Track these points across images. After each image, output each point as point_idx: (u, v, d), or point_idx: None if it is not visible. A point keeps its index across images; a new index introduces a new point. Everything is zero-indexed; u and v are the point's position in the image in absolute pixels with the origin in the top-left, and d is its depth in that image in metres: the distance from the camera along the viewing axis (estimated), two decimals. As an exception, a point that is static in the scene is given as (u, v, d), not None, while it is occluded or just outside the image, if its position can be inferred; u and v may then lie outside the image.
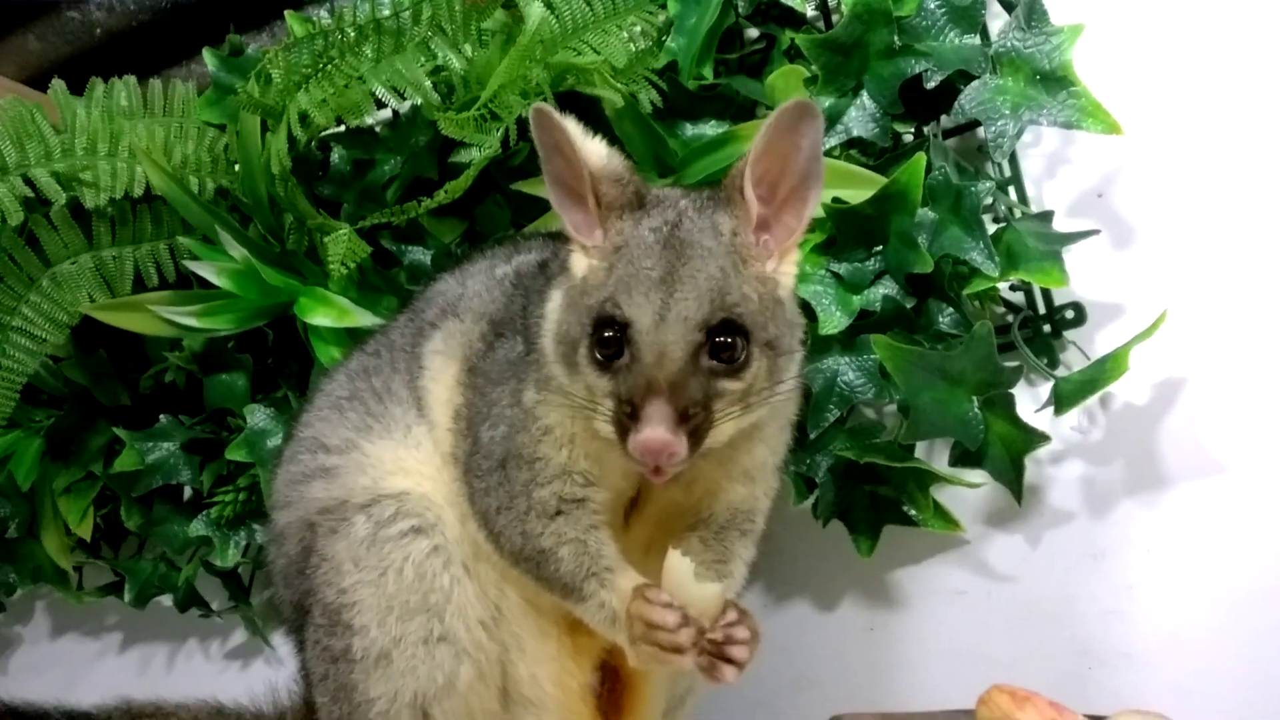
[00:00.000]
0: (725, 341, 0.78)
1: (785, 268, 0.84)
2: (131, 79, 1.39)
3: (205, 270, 1.26)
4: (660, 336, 0.76)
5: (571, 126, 0.82)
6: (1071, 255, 1.15)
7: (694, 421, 0.76)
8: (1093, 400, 1.15)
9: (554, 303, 0.86)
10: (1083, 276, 1.17)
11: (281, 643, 1.49)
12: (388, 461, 0.95)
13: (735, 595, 0.89)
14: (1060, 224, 1.17)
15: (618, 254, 0.81)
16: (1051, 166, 1.22)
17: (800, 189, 0.82)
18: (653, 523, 0.91)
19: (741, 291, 0.79)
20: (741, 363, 0.79)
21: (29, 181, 1.25)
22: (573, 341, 0.82)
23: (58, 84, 1.35)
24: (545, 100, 1.13)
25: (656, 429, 0.74)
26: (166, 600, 1.49)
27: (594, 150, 0.83)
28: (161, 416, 1.39)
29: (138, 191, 1.28)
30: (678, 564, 0.81)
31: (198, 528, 1.38)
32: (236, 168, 1.31)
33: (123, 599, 1.49)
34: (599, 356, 0.79)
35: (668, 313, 0.77)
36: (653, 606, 0.80)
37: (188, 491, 1.44)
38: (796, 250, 0.85)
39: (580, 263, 0.84)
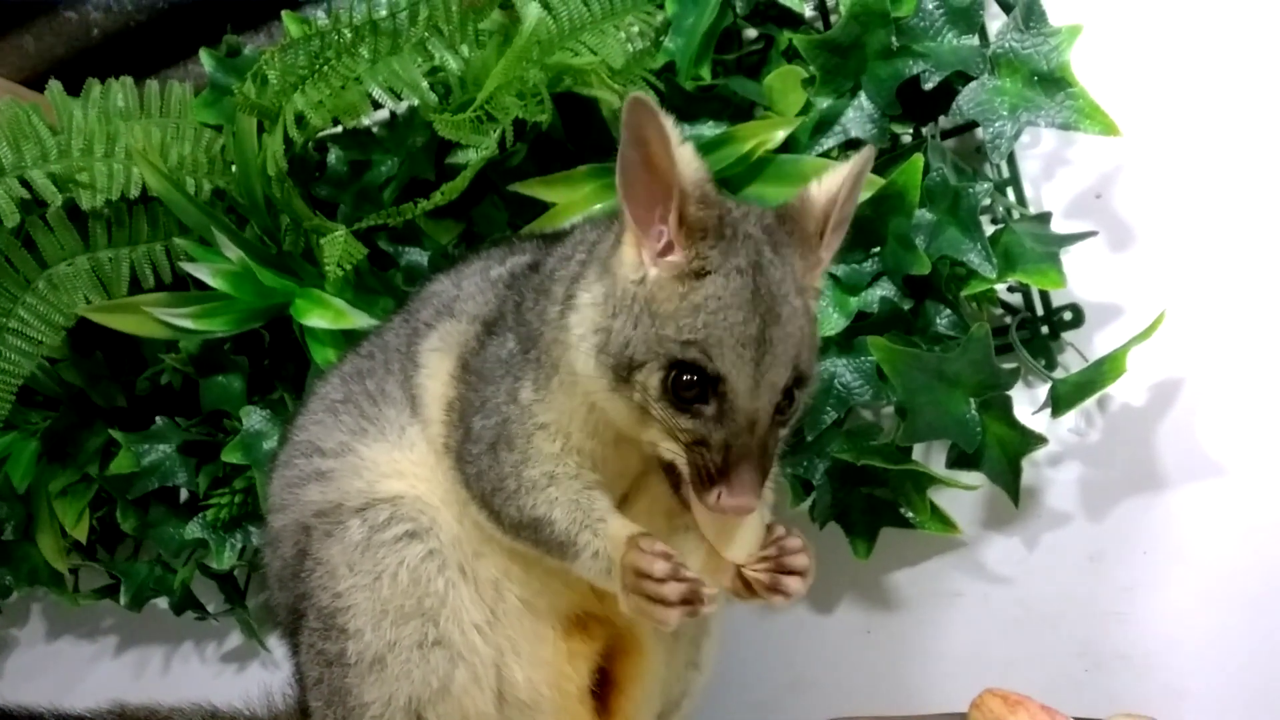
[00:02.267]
0: (790, 394, 0.78)
1: (817, 297, 0.85)
2: (128, 80, 1.39)
3: (201, 272, 1.26)
4: (754, 403, 0.76)
5: (672, 129, 0.76)
6: (1069, 257, 1.15)
7: (766, 475, 0.77)
8: (1090, 402, 1.15)
9: (593, 295, 0.82)
10: (1081, 278, 1.17)
11: (277, 646, 1.48)
12: (383, 464, 0.94)
13: None
14: (1058, 225, 1.17)
15: (699, 285, 0.77)
16: (1049, 168, 1.22)
17: (845, 224, 0.84)
18: (645, 516, 0.89)
19: (806, 344, 0.79)
20: (796, 409, 0.80)
21: (25, 183, 1.25)
22: (630, 361, 0.78)
23: (54, 85, 1.35)
24: (541, 102, 1.13)
25: (750, 496, 0.75)
26: (162, 603, 1.49)
27: (689, 161, 0.78)
28: (157, 418, 1.39)
29: (134, 193, 1.28)
30: (700, 507, 0.80)
31: (194, 530, 1.37)
32: (233, 169, 1.31)
33: (119, 602, 1.48)
34: (679, 396, 0.77)
35: (761, 379, 0.76)
36: (644, 555, 0.78)
37: (184, 494, 1.44)
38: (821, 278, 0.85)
39: (633, 262, 0.80)
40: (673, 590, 0.77)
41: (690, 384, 0.76)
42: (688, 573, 0.78)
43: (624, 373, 0.78)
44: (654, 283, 0.79)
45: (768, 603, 0.82)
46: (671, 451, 0.78)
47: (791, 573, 0.81)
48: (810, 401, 0.87)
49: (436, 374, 0.94)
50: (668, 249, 0.79)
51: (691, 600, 0.77)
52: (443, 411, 0.92)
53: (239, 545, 1.38)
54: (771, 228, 0.81)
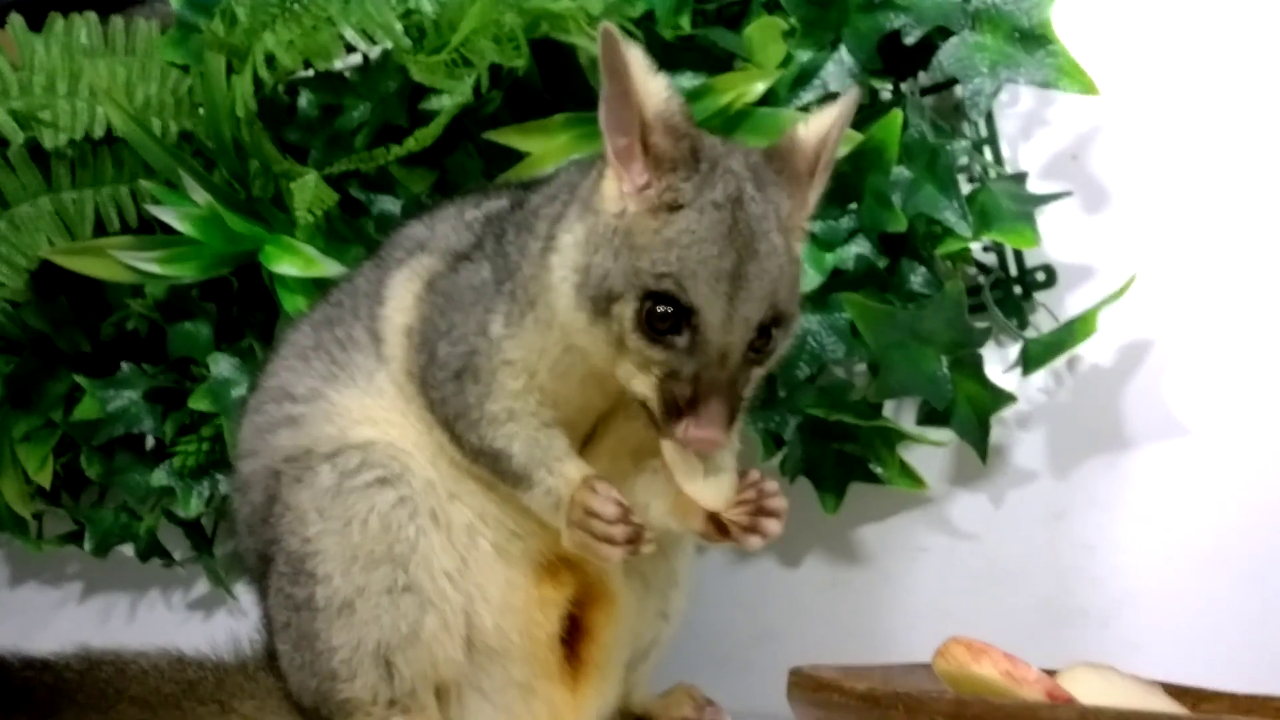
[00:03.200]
0: (766, 332, 0.79)
1: (803, 241, 0.85)
2: (92, 15, 1.34)
3: (168, 215, 1.23)
4: (726, 337, 0.76)
5: (635, 59, 0.77)
6: (1044, 217, 1.15)
7: (735, 414, 0.78)
8: (1059, 362, 1.16)
9: (574, 235, 0.82)
10: (1055, 238, 1.18)
11: (244, 593, 1.48)
12: (354, 411, 0.94)
13: None
14: (1034, 185, 1.17)
15: (673, 218, 0.77)
16: (1027, 127, 1.22)
17: (829, 167, 0.84)
18: (609, 457, 0.90)
19: (786, 283, 0.79)
20: (772, 349, 0.80)
21: (-15, 120, 1.22)
22: (609, 293, 0.79)
23: (16, 19, 1.31)
24: (518, 48, 1.12)
25: (716, 429, 0.75)
26: (128, 550, 1.48)
27: (653, 92, 0.78)
28: (123, 364, 1.37)
29: (98, 133, 1.25)
30: (674, 455, 0.81)
31: (160, 477, 1.36)
32: (201, 110, 1.28)
33: (83, 548, 1.47)
34: (653, 328, 0.77)
35: (735, 313, 0.76)
36: (597, 495, 0.82)
37: (150, 440, 1.42)
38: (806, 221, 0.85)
39: (614, 196, 0.80)
40: (620, 531, 0.81)
41: (664, 315, 0.77)
42: (634, 518, 0.82)
43: (603, 305, 0.79)
44: (631, 216, 0.79)
45: (741, 545, 0.84)
46: (644, 387, 0.79)
47: (770, 514, 0.82)
48: (790, 345, 0.87)
49: (401, 304, 0.94)
50: (647, 183, 0.79)
51: (634, 541, 0.81)
52: (403, 337, 0.93)
53: (206, 493, 1.36)
54: (758, 165, 0.81)
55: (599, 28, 0.77)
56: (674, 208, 0.78)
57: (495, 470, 0.88)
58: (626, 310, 0.78)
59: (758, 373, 0.81)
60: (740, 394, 0.78)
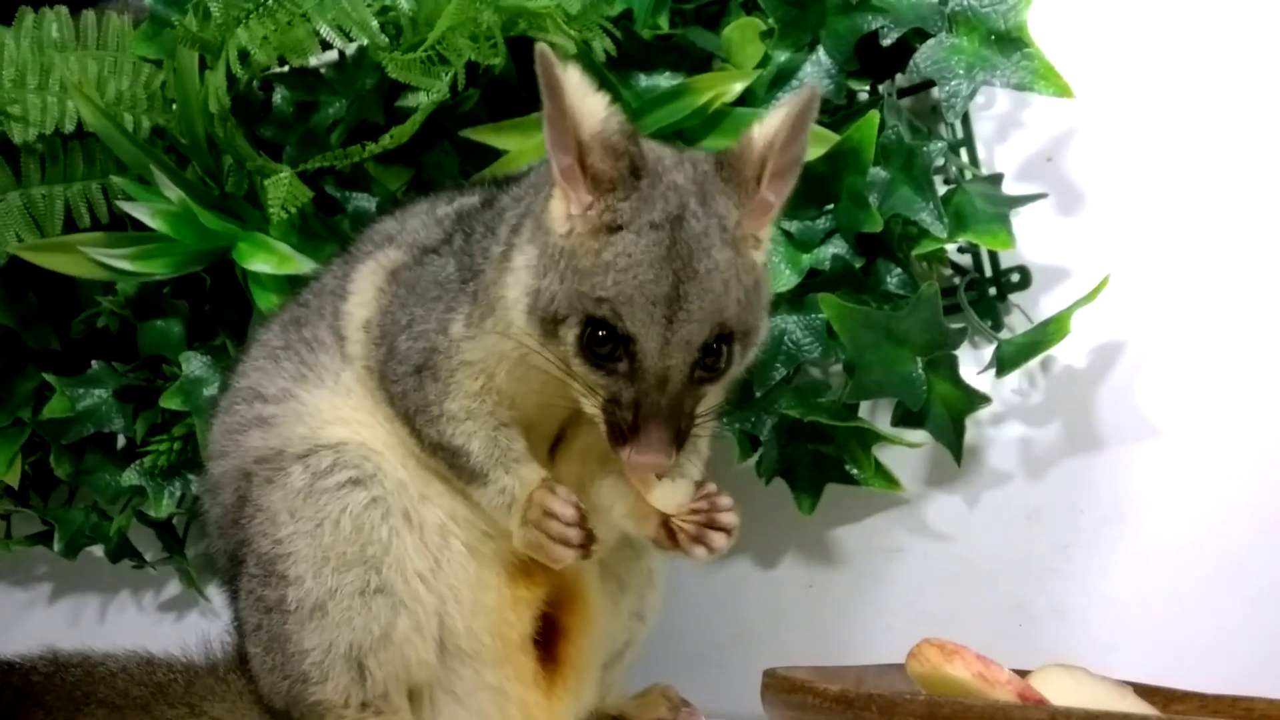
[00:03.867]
0: (715, 350, 0.77)
1: (764, 244, 0.82)
2: (63, 9, 1.32)
3: (140, 212, 1.22)
4: (664, 361, 0.75)
5: (571, 79, 0.76)
6: (1019, 219, 1.16)
7: (683, 434, 0.77)
8: (1033, 363, 1.17)
9: (526, 257, 0.82)
10: (1029, 240, 1.18)
11: (216, 595, 1.46)
12: (325, 411, 0.93)
13: None
14: (1009, 187, 1.17)
15: (612, 240, 0.76)
16: (1003, 129, 1.23)
17: (790, 173, 0.81)
18: (579, 459, 0.91)
19: (735, 298, 0.77)
20: (725, 367, 0.79)
21: (-48, 114, 1.20)
22: (555, 316, 0.78)
23: (-16, 13, 1.29)
24: (495, 46, 1.11)
25: (657, 454, 0.75)
26: (98, 550, 1.46)
27: (590, 112, 0.76)
28: (93, 362, 1.35)
29: (69, 127, 1.23)
30: None
31: (130, 477, 1.34)
32: (173, 106, 1.26)
33: (52, 548, 1.45)
34: (594, 354, 0.77)
35: (673, 337, 0.75)
36: (555, 497, 0.83)
37: (120, 440, 1.41)
38: (770, 226, 0.83)
39: (561, 216, 0.79)
40: (575, 534, 0.82)
41: (603, 340, 0.76)
42: (588, 524, 0.83)
43: (550, 327, 0.79)
44: (575, 238, 0.78)
45: (688, 555, 0.83)
46: (592, 408, 0.79)
47: (719, 529, 0.82)
48: (757, 353, 0.86)
49: (362, 298, 0.94)
50: (589, 205, 0.78)
51: (585, 546, 0.83)
52: (362, 331, 0.92)
53: (177, 493, 1.35)
54: (705, 175, 0.79)
55: (535, 47, 0.76)
56: (613, 229, 0.76)
57: (452, 465, 0.88)
58: (570, 334, 0.78)
59: (711, 389, 0.80)
60: (686, 415, 0.77)
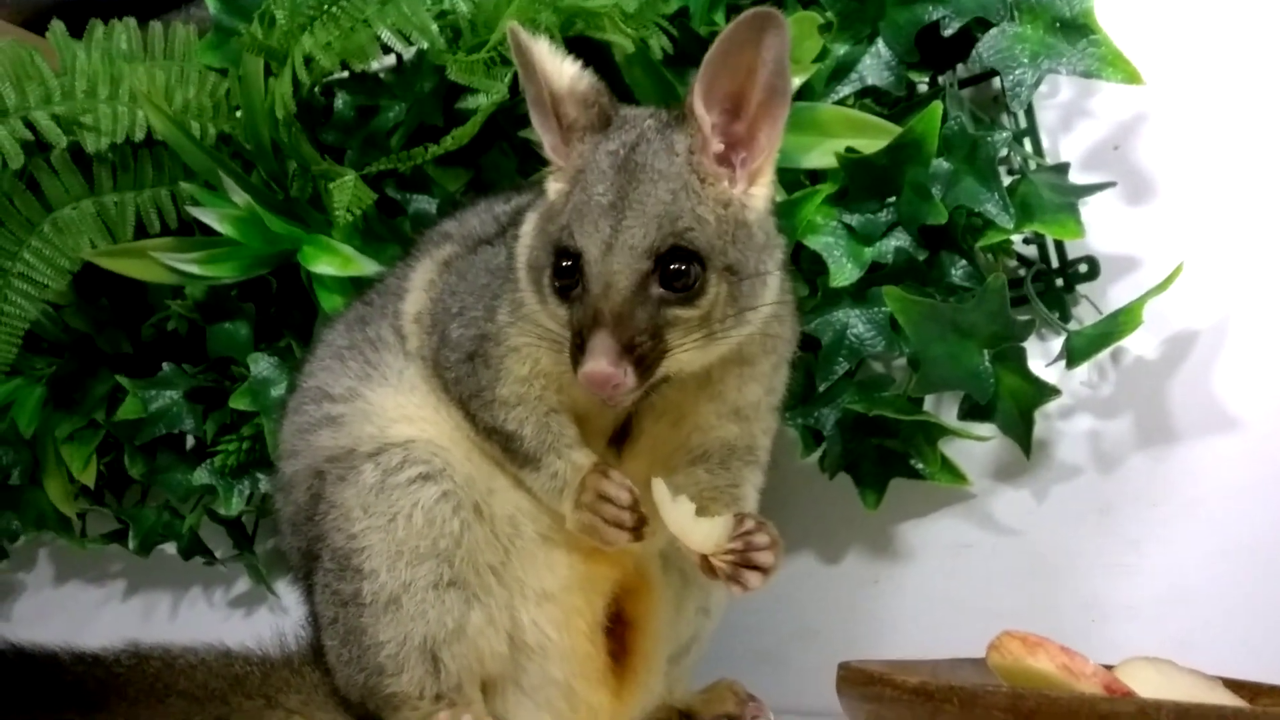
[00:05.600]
0: (678, 269, 0.77)
1: (756, 189, 0.82)
2: (131, 21, 1.36)
3: (208, 217, 1.25)
4: (607, 266, 0.76)
5: (539, 47, 0.82)
6: (1086, 209, 1.14)
7: (640, 351, 0.75)
8: (1104, 355, 1.15)
9: (529, 225, 0.87)
10: (1097, 230, 1.16)
11: (285, 591, 1.49)
12: (390, 409, 0.95)
13: None
14: (1076, 176, 1.16)
15: (577, 178, 0.81)
16: (1068, 118, 1.20)
17: (768, 105, 0.80)
18: (646, 457, 0.91)
19: (696, 215, 0.78)
20: (696, 290, 0.77)
21: (29, 125, 1.23)
22: (539, 269, 0.82)
23: (57, 25, 1.33)
24: (556, 44, 1.11)
25: (598, 361, 0.74)
26: (170, 548, 1.49)
27: (559, 70, 0.82)
28: (164, 365, 1.39)
29: (139, 136, 1.27)
30: (664, 497, 0.82)
31: (201, 476, 1.38)
32: (238, 113, 1.29)
33: (127, 546, 1.49)
34: (558, 285, 0.80)
35: (615, 241, 0.76)
36: (610, 481, 0.85)
37: (190, 440, 1.44)
38: (769, 171, 0.83)
39: (553, 186, 0.84)
40: (629, 517, 0.83)
41: (567, 270, 0.78)
42: (642, 507, 0.83)
43: (538, 281, 0.82)
44: (556, 195, 0.82)
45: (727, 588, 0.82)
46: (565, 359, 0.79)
47: (754, 568, 0.81)
48: (798, 322, 0.90)
49: (416, 294, 0.97)
50: (567, 155, 0.82)
51: (638, 529, 0.83)
52: (414, 324, 0.95)
53: (247, 491, 1.38)
54: (665, 115, 0.83)
55: (507, 27, 0.82)
56: (580, 170, 0.80)
57: (506, 450, 0.90)
58: (546, 278, 0.81)
59: (684, 313, 0.77)
60: (643, 331, 0.75)
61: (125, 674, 0.99)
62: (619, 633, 0.94)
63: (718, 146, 0.81)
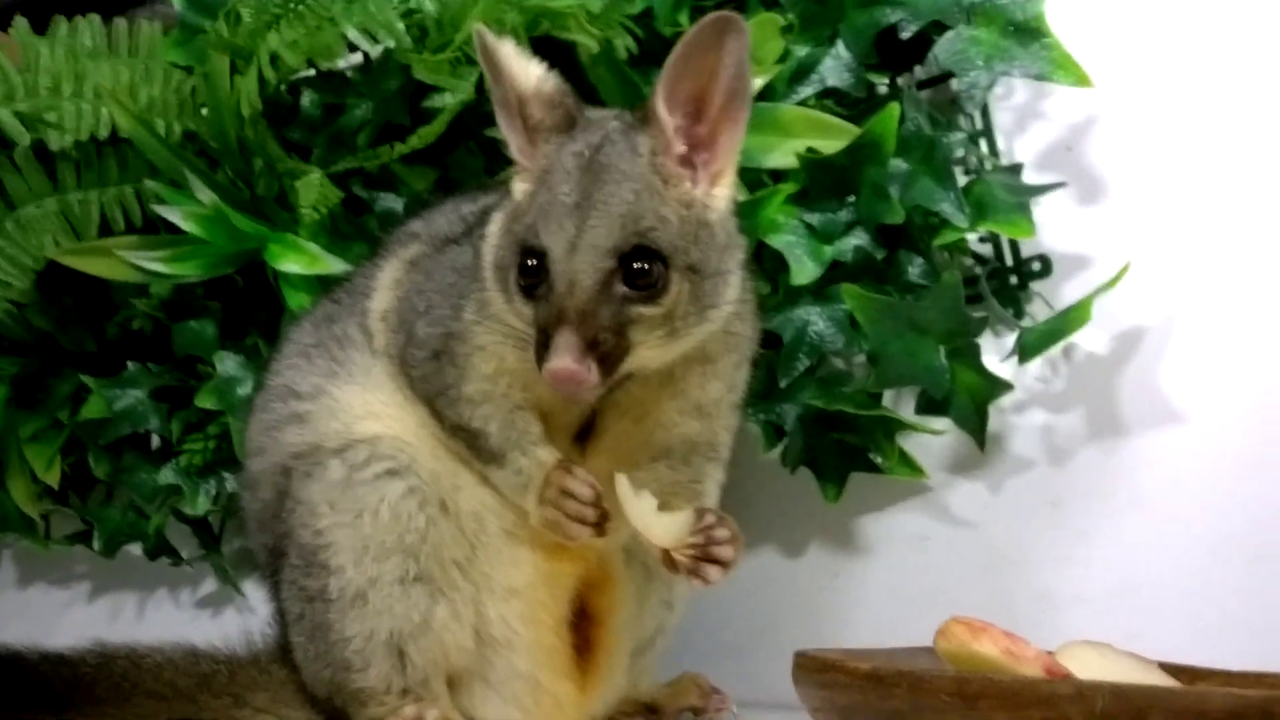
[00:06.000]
0: (641, 267, 0.78)
1: (718, 190, 0.84)
2: (96, 18, 1.35)
3: (173, 215, 1.24)
4: (571, 265, 0.77)
5: (505, 49, 0.84)
6: (1040, 208, 1.17)
7: (604, 348, 0.76)
8: (1055, 350, 1.18)
9: (495, 225, 0.88)
10: (1050, 229, 1.19)
11: (252, 591, 1.49)
12: (356, 406, 0.96)
13: None
14: (1029, 177, 1.19)
15: (542, 179, 0.82)
16: (1022, 120, 1.23)
17: (729, 108, 0.82)
18: (610, 453, 0.92)
19: (658, 215, 0.79)
20: (659, 288, 0.79)
21: (-8, 121, 1.23)
22: (505, 268, 0.84)
23: (21, 22, 1.32)
24: (521, 44, 1.13)
25: (563, 358, 0.75)
26: (136, 549, 1.49)
27: (525, 71, 0.84)
28: (129, 364, 1.38)
29: (103, 134, 1.26)
30: (627, 493, 0.83)
31: (167, 476, 1.37)
32: (204, 111, 1.29)
33: (92, 547, 1.48)
34: (523, 284, 0.81)
35: (580, 240, 0.77)
36: (572, 477, 0.85)
37: (156, 439, 1.43)
38: (731, 172, 0.85)
39: (518, 187, 0.86)
40: (591, 513, 0.84)
41: (531, 269, 0.80)
42: (604, 503, 0.85)
43: (503, 280, 0.83)
44: (522, 195, 0.84)
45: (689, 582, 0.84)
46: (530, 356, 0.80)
47: (714, 561, 0.83)
48: (758, 321, 0.92)
49: (383, 293, 0.98)
50: (532, 156, 0.84)
51: (600, 524, 0.85)
52: (381, 321, 0.96)
53: (213, 490, 1.38)
54: (629, 116, 0.84)
55: (474, 29, 0.83)
56: (545, 172, 0.82)
57: (471, 447, 0.91)
58: (512, 277, 0.82)
59: (647, 311, 0.78)
60: (607, 329, 0.77)
61: (92, 673, 0.99)
62: (583, 627, 0.95)
63: (680, 148, 0.83)
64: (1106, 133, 1.21)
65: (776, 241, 1.13)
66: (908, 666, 0.70)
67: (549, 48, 1.17)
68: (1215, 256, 1.18)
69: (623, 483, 0.84)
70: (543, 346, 0.77)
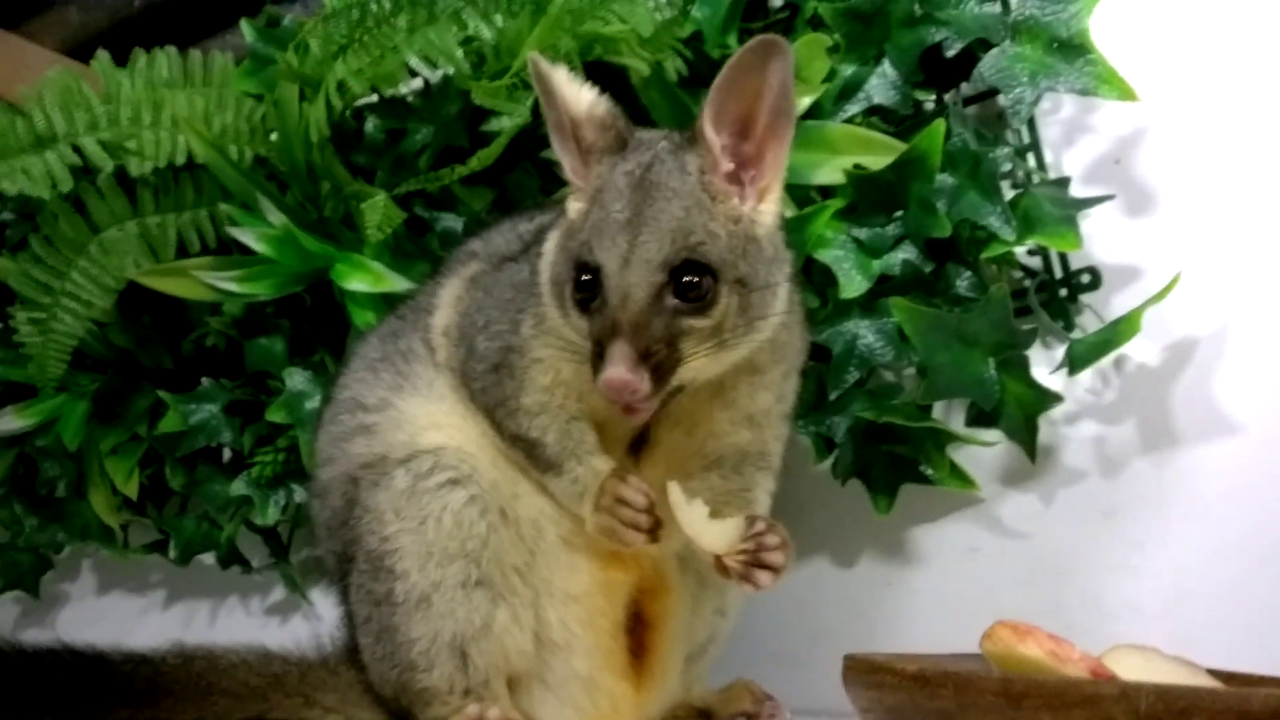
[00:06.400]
0: (690, 281, 0.81)
1: (765, 206, 0.87)
2: (172, 50, 1.43)
3: (245, 237, 1.30)
4: (624, 279, 0.81)
5: (558, 75, 0.87)
6: (1090, 221, 1.18)
7: (656, 359, 0.79)
8: (1106, 362, 1.18)
9: (551, 243, 0.92)
10: (1100, 241, 1.20)
11: (319, 598, 1.54)
12: (420, 418, 1.00)
13: None
14: (1078, 190, 1.19)
15: (595, 197, 0.85)
16: (1070, 133, 1.24)
17: (775, 126, 0.85)
18: (664, 463, 0.95)
19: (707, 230, 0.82)
20: (708, 301, 0.82)
21: (77, 150, 1.29)
22: (561, 283, 0.87)
23: (103, 55, 1.39)
24: (574, 69, 1.17)
25: (617, 368, 0.78)
26: (209, 557, 1.55)
27: (577, 96, 0.87)
28: (203, 379, 1.44)
29: (180, 160, 1.32)
30: (679, 500, 0.86)
31: (239, 487, 1.43)
32: (274, 137, 1.35)
33: (167, 556, 1.55)
34: (578, 298, 0.84)
35: (632, 255, 0.81)
36: (627, 485, 0.89)
37: (228, 452, 1.49)
38: (777, 188, 0.88)
39: (573, 206, 0.89)
40: (645, 520, 0.87)
41: (587, 284, 0.83)
42: (658, 511, 0.88)
43: (559, 296, 0.87)
44: (576, 214, 0.87)
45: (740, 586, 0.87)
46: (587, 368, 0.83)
47: (765, 567, 0.85)
48: (807, 332, 0.94)
49: (445, 310, 1.02)
50: (586, 177, 0.87)
51: (654, 531, 0.87)
52: (443, 337, 1.00)
53: (282, 501, 1.43)
54: (678, 137, 0.87)
55: (527, 58, 0.87)
56: (598, 191, 0.85)
57: (530, 456, 0.94)
58: (568, 292, 0.85)
59: (697, 323, 0.81)
60: (659, 340, 0.79)
61: (171, 672, 1.03)
62: (638, 632, 0.98)
63: (727, 166, 0.86)
64: (1155, 145, 1.21)
65: (825, 256, 1.15)
66: (954, 668, 0.72)
67: (602, 72, 1.21)
68: (1266, 265, 1.17)
69: (675, 490, 0.87)
70: (598, 358, 0.80)
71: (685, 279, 0.81)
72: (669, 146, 0.86)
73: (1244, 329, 1.17)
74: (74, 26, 1.72)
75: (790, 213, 1.15)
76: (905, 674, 0.72)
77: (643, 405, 0.81)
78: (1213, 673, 0.80)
